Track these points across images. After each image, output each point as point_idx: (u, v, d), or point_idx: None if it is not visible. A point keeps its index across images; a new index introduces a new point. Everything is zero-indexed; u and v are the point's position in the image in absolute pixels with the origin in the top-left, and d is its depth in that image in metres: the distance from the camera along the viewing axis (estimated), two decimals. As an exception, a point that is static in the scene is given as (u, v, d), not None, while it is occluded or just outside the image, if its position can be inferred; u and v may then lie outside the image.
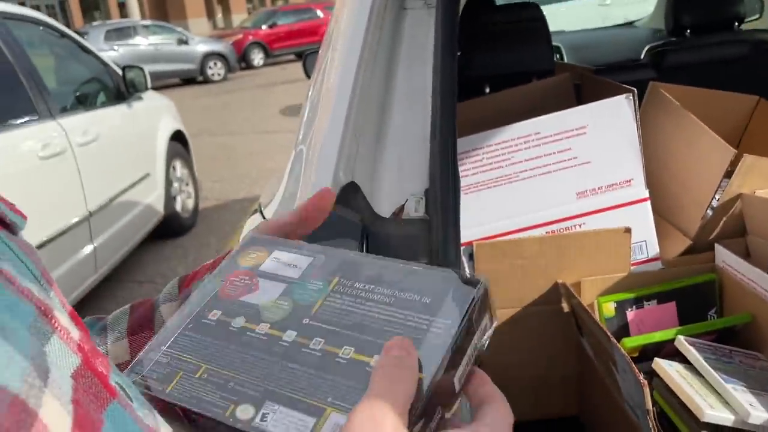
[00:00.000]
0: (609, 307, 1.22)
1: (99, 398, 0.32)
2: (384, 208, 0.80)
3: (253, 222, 1.02)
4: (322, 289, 0.44)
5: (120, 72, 3.89)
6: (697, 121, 1.26)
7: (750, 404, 0.92)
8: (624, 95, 1.16)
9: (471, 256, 1.24)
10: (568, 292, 1.23)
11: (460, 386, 0.42)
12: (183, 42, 14.03)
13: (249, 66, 16.20)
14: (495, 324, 0.45)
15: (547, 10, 1.79)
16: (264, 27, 16.99)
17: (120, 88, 3.88)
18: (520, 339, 1.27)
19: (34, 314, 0.31)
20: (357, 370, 0.39)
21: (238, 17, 28.02)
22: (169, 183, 4.28)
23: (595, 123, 1.16)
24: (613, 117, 1.16)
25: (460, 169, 1.24)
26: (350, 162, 0.81)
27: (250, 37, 16.53)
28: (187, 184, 4.72)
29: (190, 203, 4.76)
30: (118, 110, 3.81)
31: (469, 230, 1.25)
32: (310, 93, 1.16)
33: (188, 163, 4.77)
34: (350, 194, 0.80)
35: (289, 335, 0.42)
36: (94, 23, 17.58)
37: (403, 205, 0.80)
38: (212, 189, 5.70)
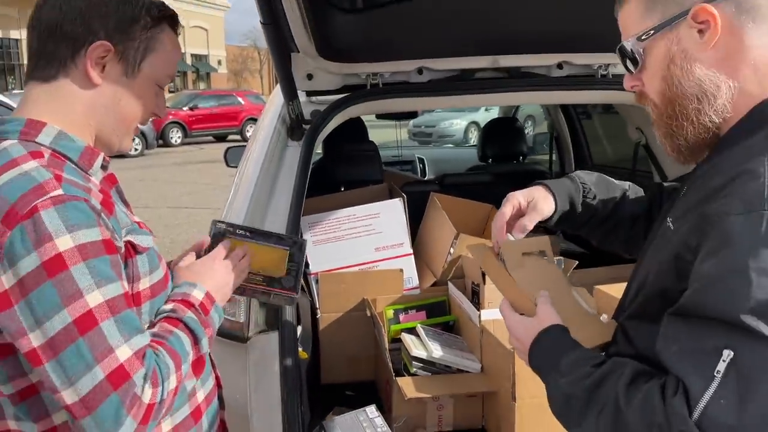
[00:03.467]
0: (390, 313, 2.21)
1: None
2: (264, 240, 1.77)
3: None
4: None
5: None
6: (444, 215, 2.33)
7: (435, 349, 1.91)
8: (398, 199, 2.22)
9: (317, 281, 2.21)
10: (369, 304, 2.21)
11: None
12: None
13: (166, 144, 16.90)
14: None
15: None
16: (185, 108, 17.88)
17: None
18: (343, 331, 2.23)
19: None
20: None
21: (158, 95, 28.69)
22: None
23: (384, 211, 2.20)
24: (393, 209, 2.21)
25: (314, 230, 2.23)
26: (253, 218, 1.78)
27: (170, 117, 17.33)
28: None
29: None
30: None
31: (317, 266, 2.22)
32: (234, 181, 2.13)
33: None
34: (249, 232, 1.76)
35: None
36: (14, 91, 17.85)
37: (273, 239, 1.77)
38: (128, 253, 6.34)
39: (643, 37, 0.92)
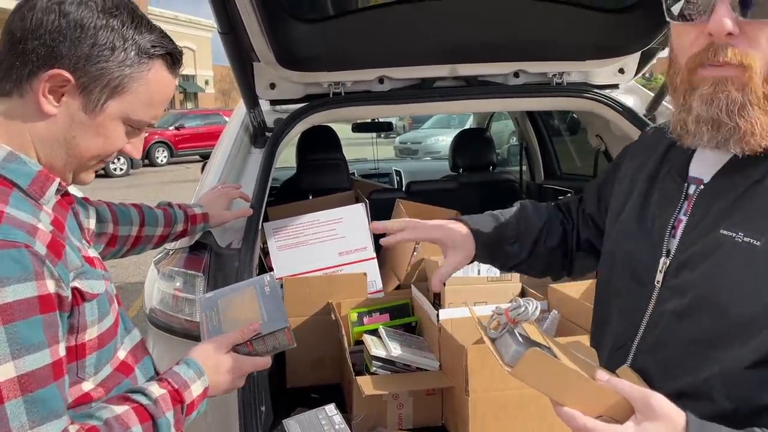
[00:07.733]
0: (354, 316, 2.25)
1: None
2: (223, 242, 1.81)
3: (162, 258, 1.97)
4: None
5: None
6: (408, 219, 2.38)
7: (394, 348, 1.95)
8: (361, 204, 2.27)
9: (282, 286, 2.24)
10: (334, 308, 2.24)
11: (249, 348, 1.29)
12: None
13: (152, 164, 16.89)
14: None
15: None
16: (171, 128, 17.91)
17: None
18: (308, 334, 2.26)
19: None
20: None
21: (146, 116, 28.73)
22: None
23: (347, 216, 2.25)
24: (355, 214, 2.25)
25: (278, 236, 2.27)
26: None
27: (156, 137, 17.34)
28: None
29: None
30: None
31: (282, 272, 2.26)
32: (196, 188, 2.17)
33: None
34: (209, 237, 1.79)
35: None
36: None
37: (231, 242, 1.81)
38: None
39: None
